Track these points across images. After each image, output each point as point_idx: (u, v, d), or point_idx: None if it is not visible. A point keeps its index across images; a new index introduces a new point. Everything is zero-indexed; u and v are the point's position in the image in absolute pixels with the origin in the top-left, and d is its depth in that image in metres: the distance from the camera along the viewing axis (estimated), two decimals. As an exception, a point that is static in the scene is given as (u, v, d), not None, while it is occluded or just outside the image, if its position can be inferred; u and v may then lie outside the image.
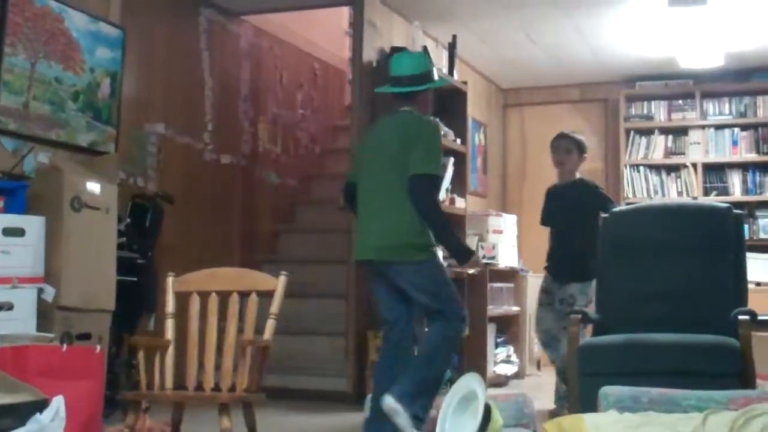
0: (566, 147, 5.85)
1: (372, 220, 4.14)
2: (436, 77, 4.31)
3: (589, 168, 8.88)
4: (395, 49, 6.61)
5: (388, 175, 4.08)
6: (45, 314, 4.12)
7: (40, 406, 3.33)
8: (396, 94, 4.22)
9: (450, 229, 4.26)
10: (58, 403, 3.37)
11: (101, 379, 4.00)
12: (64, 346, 3.88)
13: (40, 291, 4.12)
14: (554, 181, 6.05)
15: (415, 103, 4.21)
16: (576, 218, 5.67)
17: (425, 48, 6.31)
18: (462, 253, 4.19)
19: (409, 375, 3.92)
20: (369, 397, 4.14)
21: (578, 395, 4.25)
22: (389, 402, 3.83)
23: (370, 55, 6.52)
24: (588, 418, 3.31)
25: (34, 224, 4.12)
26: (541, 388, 6.68)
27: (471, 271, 5.58)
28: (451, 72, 6.91)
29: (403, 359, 4.10)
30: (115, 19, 5.17)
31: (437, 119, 4.21)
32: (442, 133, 6.48)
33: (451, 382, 4.04)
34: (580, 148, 5.89)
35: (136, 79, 5.87)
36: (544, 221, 6.01)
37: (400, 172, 4.02)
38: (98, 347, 3.94)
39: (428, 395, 3.88)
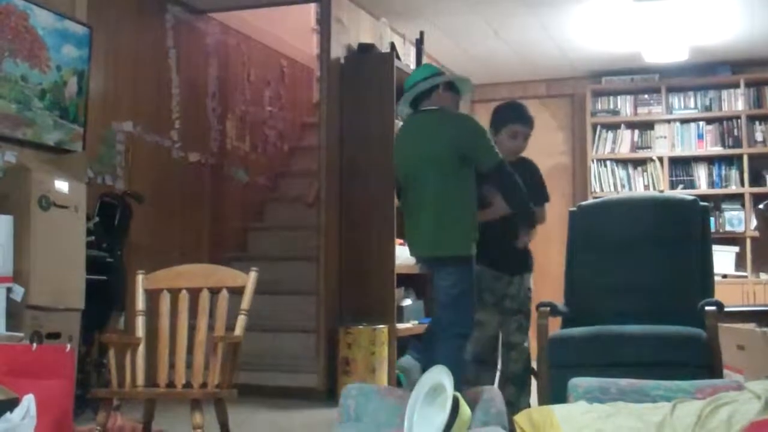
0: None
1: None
2: (442, 78, 4.42)
3: (556, 163, 8.99)
4: (363, 46, 6.64)
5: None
6: (14, 314, 4.10)
7: (11, 405, 3.32)
8: (414, 99, 4.38)
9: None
10: (28, 402, 3.36)
11: (71, 377, 3.99)
12: (34, 345, 3.86)
13: (9, 290, 4.10)
14: None
15: (434, 101, 4.34)
16: None
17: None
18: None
19: None
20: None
21: (547, 387, 4.28)
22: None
23: (337, 51, 6.52)
24: (558, 409, 3.34)
25: (1, 224, 4.10)
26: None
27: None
28: (418, 68, 6.93)
29: None
30: (81, 17, 5.13)
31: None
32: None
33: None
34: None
35: (103, 77, 5.84)
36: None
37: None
38: (68, 346, 3.93)
39: None
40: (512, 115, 4.76)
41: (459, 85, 4.50)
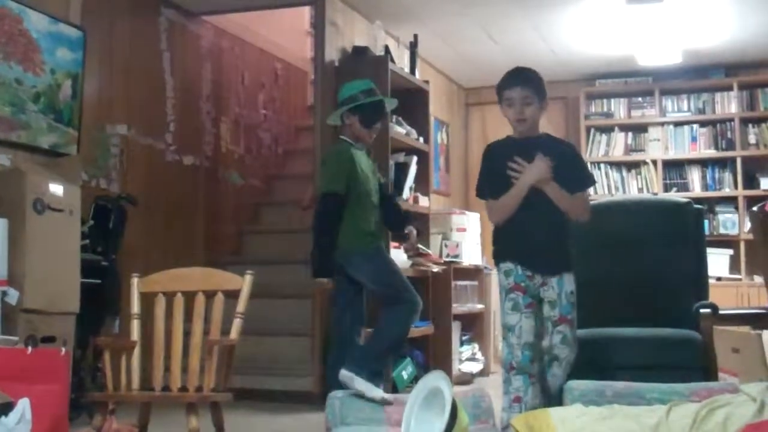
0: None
1: None
2: (359, 99, 4.71)
3: (551, 166, 8.98)
4: (357, 49, 6.64)
5: None
6: (9, 317, 4.09)
7: (6, 409, 3.30)
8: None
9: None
10: (23, 405, 3.35)
11: (67, 381, 3.96)
12: (29, 348, 3.83)
13: (4, 294, 4.08)
14: None
15: (343, 129, 4.81)
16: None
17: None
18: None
19: (360, 347, 4.46)
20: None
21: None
22: (343, 372, 4.24)
23: (331, 54, 6.52)
24: (554, 411, 3.35)
25: (-4, 227, 4.08)
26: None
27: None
28: (413, 71, 6.94)
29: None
30: (75, 20, 5.13)
31: (345, 145, 4.72)
32: (404, 132, 6.53)
33: (416, 379, 4.07)
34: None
35: (97, 80, 5.83)
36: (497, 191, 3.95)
37: None
38: (63, 350, 3.91)
39: (383, 357, 4.46)
40: (501, 84, 4.05)
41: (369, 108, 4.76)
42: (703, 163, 8.64)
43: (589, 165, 8.76)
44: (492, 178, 3.91)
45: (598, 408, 3.34)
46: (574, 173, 3.92)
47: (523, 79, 3.99)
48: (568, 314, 3.83)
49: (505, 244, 3.93)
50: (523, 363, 3.76)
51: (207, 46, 7.20)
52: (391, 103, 5.05)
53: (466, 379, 7.29)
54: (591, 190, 8.59)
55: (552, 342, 3.82)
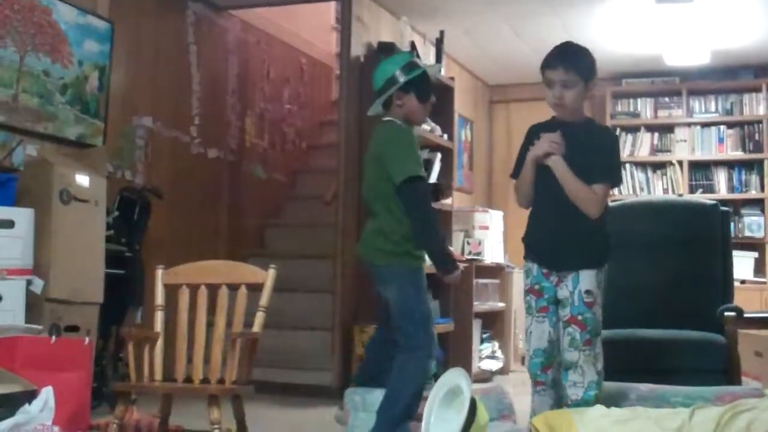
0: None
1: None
2: (401, 78, 3.93)
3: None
4: (382, 45, 6.63)
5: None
6: (34, 306, 4.12)
7: (29, 396, 3.35)
8: (383, 106, 4.02)
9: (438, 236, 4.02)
10: (46, 393, 3.39)
11: (89, 370, 4.01)
12: (53, 337, 3.89)
13: (29, 283, 4.12)
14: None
15: (393, 110, 3.97)
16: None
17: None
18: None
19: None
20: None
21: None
22: None
23: (357, 50, 6.52)
24: (575, 412, 3.33)
25: (23, 216, 4.12)
26: (525, 384, 6.69)
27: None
28: (438, 68, 6.93)
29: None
30: (103, 13, 5.16)
31: (405, 125, 3.92)
32: (428, 128, 6.52)
33: (436, 377, 4.06)
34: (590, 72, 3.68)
35: (124, 72, 5.85)
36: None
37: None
38: (86, 339, 3.95)
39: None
40: (544, 61, 3.76)
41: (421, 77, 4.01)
42: (729, 164, 8.57)
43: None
44: (522, 159, 3.63)
45: (620, 410, 3.33)
46: (596, 163, 3.49)
47: (566, 60, 3.61)
48: (579, 315, 3.45)
49: (526, 235, 3.66)
50: (531, 370, 3.58)
51: (233, 40, 7.22)
52: (435, 70, 4.39)
53: (485, 377, 7.28)
54: (616, 191, 8.61)
55: (562, 345, 3.49)
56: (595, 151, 3.51)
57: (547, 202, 3.54)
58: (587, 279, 3.48)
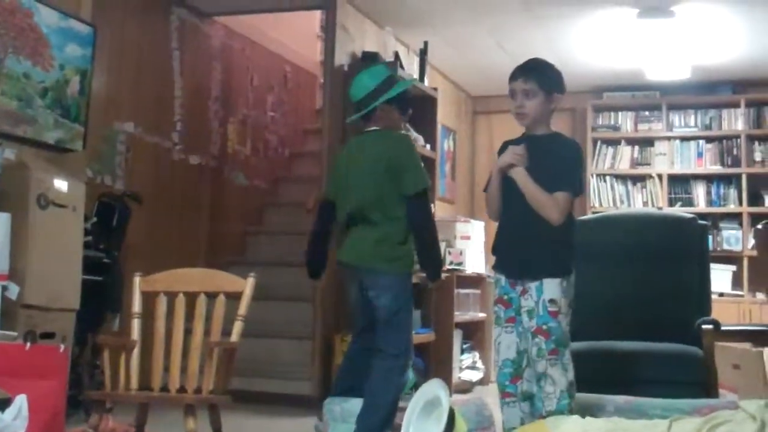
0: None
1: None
2: (386, 93, 4.02)
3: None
4: (366, 54, 6.64)
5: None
6: (8, 312, 4.07)
7: (3, 404, 3.30)
8: (362, 117, 4.08)
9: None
10: (20, 401, 3.34)
11: (64, 378, 3.95)
12: (28, 344, 3.83)
13: (4, 289, 4.07)
14: None
15: (377, 122, 4.03)
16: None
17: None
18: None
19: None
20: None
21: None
22: None
23: (341, 59, 6.52)
24: (551, 422, 3.32)
25: (-1, 221, 4.08)
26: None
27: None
28: (422, 78, 6.93)
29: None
30: (86, 16, 5.13)
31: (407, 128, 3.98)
32: (412, 138, 6.50)
33: (416, 387, 4.05)
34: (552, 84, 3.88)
35: (105, 76, 5.83)
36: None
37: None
38: (62, 346, 3.90)
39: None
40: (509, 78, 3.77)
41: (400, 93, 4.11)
42: (708, 178, 8.63)
43: (594, 177, 8.76)
44: None
45: (598, 421, 3.32)
46: (557, 172, 3.53)
47: (526, 70, 3.71)
48: (543, 324, 3.44)
49: (493, 246, 3.69)
50: (500, 380, 3.57)
51: (217, 46, 7.21)
52: (409, 84, 4.65)
53: (465, 387, 7.27)
54: (597, 204, 8.64)
55: (530, 355, 3.49)
56: (557, 161, 3.57)
57: (512, 213, 3.59)
58: (551, 288, 3.48)
